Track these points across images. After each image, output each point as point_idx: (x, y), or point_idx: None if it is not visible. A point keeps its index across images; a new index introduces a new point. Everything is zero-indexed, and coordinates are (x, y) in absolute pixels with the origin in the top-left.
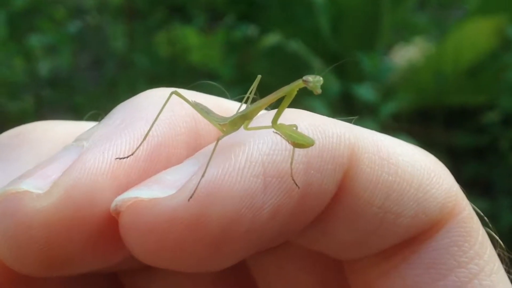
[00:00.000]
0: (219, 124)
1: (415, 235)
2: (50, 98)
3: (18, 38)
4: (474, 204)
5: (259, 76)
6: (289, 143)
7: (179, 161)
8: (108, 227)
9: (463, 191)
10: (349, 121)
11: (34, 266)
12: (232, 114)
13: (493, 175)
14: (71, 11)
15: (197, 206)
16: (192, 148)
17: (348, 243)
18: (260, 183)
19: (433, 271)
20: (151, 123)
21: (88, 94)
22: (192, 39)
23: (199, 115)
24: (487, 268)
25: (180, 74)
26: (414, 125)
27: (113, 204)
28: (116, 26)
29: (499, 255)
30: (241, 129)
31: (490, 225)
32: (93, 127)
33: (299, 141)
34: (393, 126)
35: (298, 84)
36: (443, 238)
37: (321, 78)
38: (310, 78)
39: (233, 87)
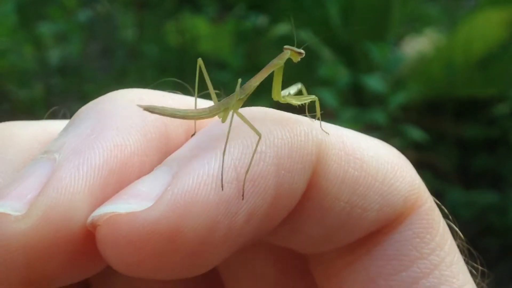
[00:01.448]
0: (212, 115)
1: (380, 227)
2: (60, 86)
3: (28, 26)
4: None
5: (199, 60)
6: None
7: (152, 168)
8: (86, 241)
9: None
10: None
11: (13, 285)
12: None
13: (502, 167)
14: None
15: (175, 218)
16: (163, 153)
17: (316, 239)
18: (234, 189)
19: (396, 262)
20: (122, 131)
21: (98, 83)
22: (201, 29)
23: (169, 118)
24: (448, 259)
25: (189, 63)
26: (424, 116)
27: (89, 219)
28: (126, 15)
29: (458, 246)
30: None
31: (450, 217)
32: (61, 135)
33: (307, 102)
34: (402, 117)
35: (284, 56)
36: (406, 230)
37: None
38: (294, 48)
39: (242, 77)
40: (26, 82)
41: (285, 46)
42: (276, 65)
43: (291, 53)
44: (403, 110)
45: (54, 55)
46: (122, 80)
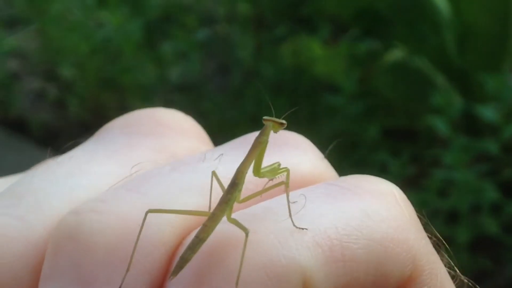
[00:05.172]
0: (219, 219)
1: None
2: (179, 102)
3: (152, 44)
4: None
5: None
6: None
7: None
8: None
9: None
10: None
11: None
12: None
13: None
14: (201, 19)
15: None
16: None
17: None
18: None
19: None
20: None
21: (215, 101)
22: (316, 51)
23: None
24: None
25: (303, 85)
26: None
27: None
28: (244, 36)
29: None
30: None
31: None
32: None
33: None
34: None
35: (268, 130)
36: None
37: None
38: (275, 118)
39: (355, 101)
40: (148, 97)
41: (265, 118)
42: (262, 142)
43: (273, 124)
44: None
45: (175, 72)
46: (239, 99)
